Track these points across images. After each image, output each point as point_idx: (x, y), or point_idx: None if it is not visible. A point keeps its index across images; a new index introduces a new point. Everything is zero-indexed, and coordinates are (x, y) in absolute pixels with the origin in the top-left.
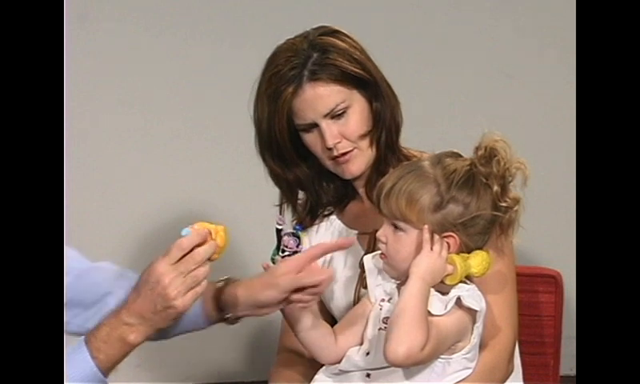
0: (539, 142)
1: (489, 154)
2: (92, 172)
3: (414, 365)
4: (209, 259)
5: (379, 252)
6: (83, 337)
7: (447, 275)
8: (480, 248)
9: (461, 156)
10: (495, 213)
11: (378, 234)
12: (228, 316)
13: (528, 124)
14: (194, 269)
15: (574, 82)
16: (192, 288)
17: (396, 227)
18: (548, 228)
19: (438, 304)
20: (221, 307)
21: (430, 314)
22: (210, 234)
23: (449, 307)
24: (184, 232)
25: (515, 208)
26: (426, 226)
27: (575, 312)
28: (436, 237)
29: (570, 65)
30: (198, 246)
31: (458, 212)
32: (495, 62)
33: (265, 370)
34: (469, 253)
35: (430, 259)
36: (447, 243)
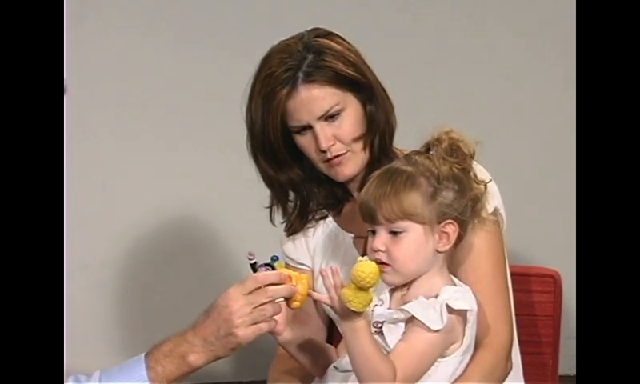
0: (537, 143)
1: (452, 144)
2: (90, 171)
3: None
4: (289, 306)
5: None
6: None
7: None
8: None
9: (424, 153)
10: (479, 189)
11: (374, 245)
12: None
13: (526, 125)
14: (264, 303)
15: (573, 81)
16: (257, 322)
17: (393, 232)
18: (546, 228)
19: (432, 315)
20: None
21: (429, 329)
22: (290, 278)
23: (445, 319)
24: (272, 259)
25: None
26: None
27: (574, 312)
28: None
29: (569, 65)
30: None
31: (451, 197)
32: (493, 63)
33: (263, 369)
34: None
35: (333, 305)
36: (446, 233)
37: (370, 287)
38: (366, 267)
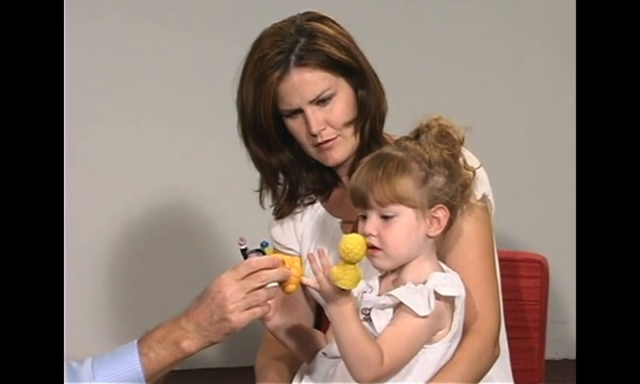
0: (525, 129)
1: (441, 130)
2: (78, 158)
3: (389, 375)
4: (284, 290)
5: None
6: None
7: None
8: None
9: (414, 139)
10: (468, 175)
11: (366, 229)
12: None
13: (513, 111)
14: (257, 288)
15: (558, 66)
16: (251, 307)
17: (385, 217)
18: (533, 213)
19: (420, 301)
20: None
21: (417, 315)
22: (284, 263)
23: (432, 305)
24: (262, 244)
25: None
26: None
27: (560, 297)
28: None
29: (553, 49)
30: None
31: (442, 181)
32: (478, 47)
33: (251, 355)
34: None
35: (321, 288)
36: (437, 218)
37: (358, 259)
38: (352, 239)
